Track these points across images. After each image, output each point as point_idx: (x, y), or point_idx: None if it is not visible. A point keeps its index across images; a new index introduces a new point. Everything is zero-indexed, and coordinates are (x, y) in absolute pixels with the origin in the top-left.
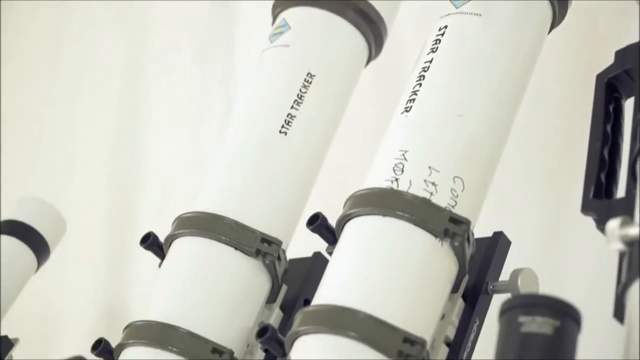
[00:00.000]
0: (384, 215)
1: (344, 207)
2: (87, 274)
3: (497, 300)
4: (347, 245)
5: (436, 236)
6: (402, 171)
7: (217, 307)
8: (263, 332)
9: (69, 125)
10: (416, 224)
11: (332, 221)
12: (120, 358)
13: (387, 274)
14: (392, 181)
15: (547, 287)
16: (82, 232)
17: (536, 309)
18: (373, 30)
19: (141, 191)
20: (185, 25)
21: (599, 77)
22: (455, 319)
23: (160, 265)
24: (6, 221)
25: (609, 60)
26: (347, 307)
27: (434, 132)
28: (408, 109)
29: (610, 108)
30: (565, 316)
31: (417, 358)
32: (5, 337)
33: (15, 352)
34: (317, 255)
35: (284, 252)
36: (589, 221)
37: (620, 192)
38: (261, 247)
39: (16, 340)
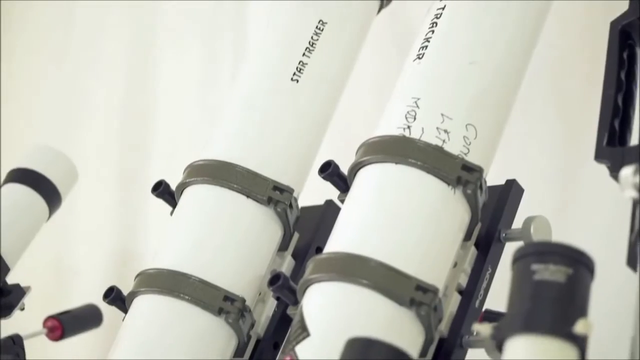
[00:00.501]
0: (396, 163)
1: (356, 154)
2: (98, 222)
3: (510, 249)
4: (359, 193)
5: (448, 184)
6: (415, 119)
7: (229, 255)
8: (275, 280)
9: (81, 76)
10: (428, 171)
11: (344, 169)
12: (131, 306)
13: (399, 221)
14: (404, 129)
15: (560, 235)
16: (94, 181)
17: (549, 257)
18: None
19: (152, 140)
20: None
21: (613, 24)
22: (467, 267)
23: (171, 213)
24: (17, 169)
25: (623, 7)
26: (359, 255)
27: (446, 79)
28: (420, 56)
29: (624, 55)
30: (579, 264)
31: (429, 306)
32: (17, 285)
33: (26, 301)
34: (329, 203)
35: (295, 200)
36: (603, 169)
37: (634, 139)
38: (273, 195)
39: (28, 288)
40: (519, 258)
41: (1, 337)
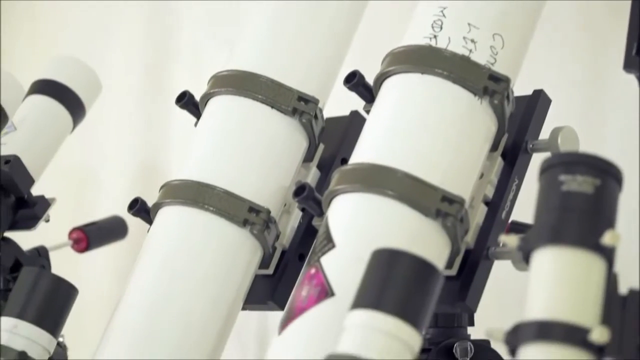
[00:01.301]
0: (422, 73)
1: (381, 65)
2: (122, 134)
3: (537, 160)
4: (384, 103)
5: (475, 94)
6: (441, 28)
7: (254, 166)
8: (300, 191)
9: None
10: (455, 81)
11: (370, 80)
12: (156, 217)
13: (425, 132)
14: (430, 38)
15: (588, 146)
16: (118, 92)
17: (577, 168)
18: None
19: (177, 51)
20: None
21: None
22: (494, 177)
23: (196, 124)
24: (41, 81)
25: None
26: (385, 165)
27: None
28: None
29: None
30: (606, 175)
31: (455, 217)
32: (42, 197)
33: (51, 212)
34: (355, 114)
35: (320, 110)
36: (631, 79)
37: None
38: (298, 105)
39: (53, 200)
40: (546, 169)
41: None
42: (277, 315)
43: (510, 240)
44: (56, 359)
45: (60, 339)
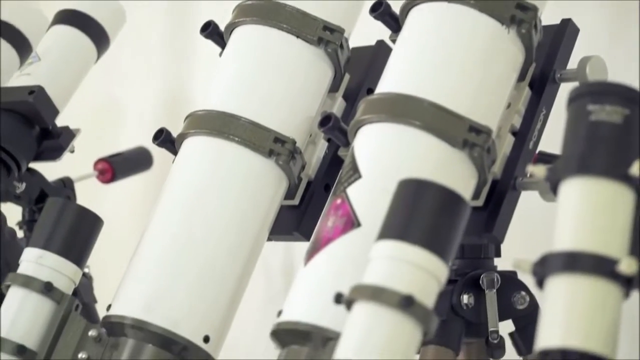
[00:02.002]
0: (449, 2)
1: None
2: (147, 65)
3: (565, 89)
4: (410, 32)
5: (502, 23)
6: None
7: (279, 96)
8: (326, 121)
9: None
10: (482, 10)
11: (396, 9)
12: (181, 148)
13: (451, 61)
14: None
15: (616, 76)
16: (142, 23)
17: (605, 97)
18: None
19: None
20: None
21: None
22: (521, 107)
23: (220, 54)
24: (65, 11)
25: None
26: (411, 95)
27: None
28: None
29: None
30: (635, 105)
31: (482, 147)
32: (67, 127)
33: (76, 143)
34: (381, 43)
35: (346, 40)
36: None
37: None
38: (323, 35)
39: (77, 130)
40: (575, 98)
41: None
42: (303, 247)
43: (537, 171)
44: (82, 289)
45: (86, 270)
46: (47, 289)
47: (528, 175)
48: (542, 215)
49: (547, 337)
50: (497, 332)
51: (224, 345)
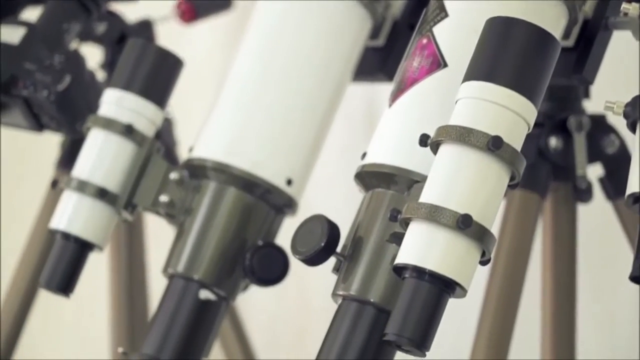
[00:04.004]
0: None
1: None
2: None
3: None
4: None
5: None
6: None
7: None
8: None
9: None
10: None
11: None
12: None
13: None
14: None
15: None
16: None
17: None
18: None
19: None
20: None
21: None
22: None
23: None
24: None
25: None
26: None
27: None
28: None
29: None
30: None
31: None
32: None
33: None
34: None
35: None
36: None
37: None
38: None
39: None
40: None
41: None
42: (387, 89)
43: (632, 9)
44: (163, 132)
45: (167, 112)
46: (128, 131)
47: (621, 14)
48: (635, 56)
49: (638, 182)
50: (585, 176)
51: (305, 190)
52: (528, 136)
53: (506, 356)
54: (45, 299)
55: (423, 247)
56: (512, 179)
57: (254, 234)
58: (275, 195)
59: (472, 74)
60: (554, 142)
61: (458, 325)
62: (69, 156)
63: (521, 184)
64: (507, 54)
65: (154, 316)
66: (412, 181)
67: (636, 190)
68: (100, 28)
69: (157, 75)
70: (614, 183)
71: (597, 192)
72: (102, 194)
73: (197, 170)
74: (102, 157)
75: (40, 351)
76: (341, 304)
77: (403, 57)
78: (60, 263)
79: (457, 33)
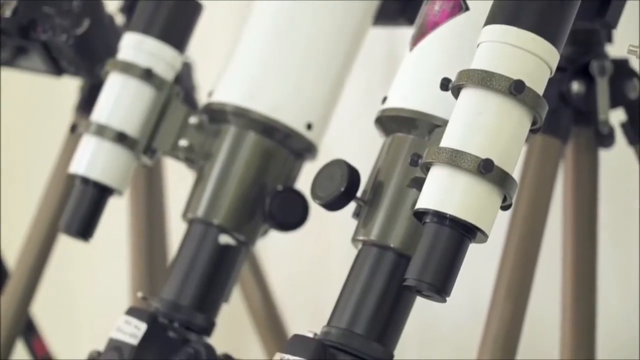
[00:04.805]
0: None
1: None
2: None
3: None
4: None
5: None
6: None
7: None
8: None
9: None
10: None
11: None
12: None
13: None
14: None
15: None
16: None
17: None
18: None
19: None
20: None
21: None
22: None
23: None
24: None
25: None
26: None
27: None
28: None
29: None
30: None
31: None
32: None
33: None
34: None
35: None
36: None
37: None
38: None
39: None
40: None
41: None
42: (407, 34)
43: None
44: (182, 76)
45: (187, 59)
46: (147, 75)
47: None
48: None
49: None
50: (607, 121)
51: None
52: (550, 81)
53: (526, 303)
54: (65, 244)
55: (444, 192)
56: (533, 123)
57: (273, 179)
58: (295, 139)
59: (494, 17)
60: (576, 86)
61: (477, 271)
62: (88, 100)
63: (543, 129)
64: None
65: (173, 261)
66: (432, 126)
67: None
68: None
69: (177, 19)
70: (636, 128)
71: (619, 137)
72: (121, 138)
73: (217, 114)
74: (121, 101)
75: (59, 296)
76: (361, 249)
77: (424, 1)
78: (79, 207)
79: None
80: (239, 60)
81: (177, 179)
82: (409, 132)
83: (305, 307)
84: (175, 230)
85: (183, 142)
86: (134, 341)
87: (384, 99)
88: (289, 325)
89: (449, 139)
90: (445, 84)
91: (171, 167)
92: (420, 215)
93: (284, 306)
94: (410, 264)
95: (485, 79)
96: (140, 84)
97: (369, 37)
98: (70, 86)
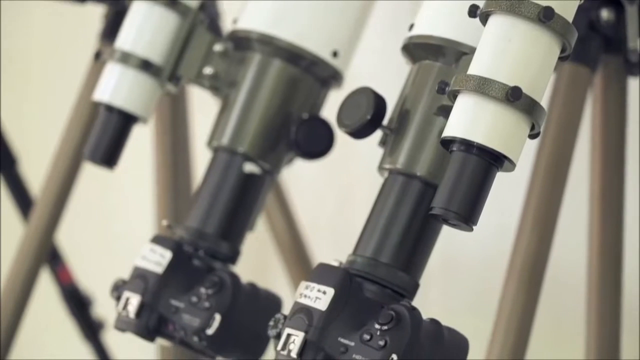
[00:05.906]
0: None
1: None
2: None
3: None
4: None
5: None
6: None
7: None
8: None
9: None
10: None
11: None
12: None
13: None
14: None
15: None
16: None
17: None
18: None
19: None
20: None
21: None
22: None
23: None
24: None
25: None
26: None
27: None
28: None
29: None
30: None
31: None
32: None
33: None
34: None
35: None
36: None
37: None
38: None
39: None
40: None
41: None
42: None
43: None
44: (207, 3)
45: None
46: (172, 1)
47: None
48: None
49: None
50: (636, 49)
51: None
52: (579, 8)
53: (552, 234)
54: (89, 171)
55: (471, 119)
56: (562, 51)
57: (299, 107)
58: (320, 67)
59: None
60: (605, 14)
61: (502, 206)
62: (112, 28)
63: (571, 57)
64: None
65: (198, 189)
66: (460, 53)
67: None
68: None
69: None
70: None
71: None
72: (145, 65)
73: (242, 42)
74: (146, 28)
75: (83, 224)
76: (387, 178)
77: None
78: (104, 135)
79: None
80: None
81: (202, 108)
82: (436, 60)
83: (330, 236)
84: (200, 159)
85: (208, 70)
86: (159, 269)
87: (411, 26)
88: (314, 254)
89: (477, 67)
90: (473, 11)
91: (196, 96)
92: (447, 143)
93: (309, 235)
94: (436, 193)
95: (514, 6)
96: (165, 11)
97: None
98: (94, 13)
